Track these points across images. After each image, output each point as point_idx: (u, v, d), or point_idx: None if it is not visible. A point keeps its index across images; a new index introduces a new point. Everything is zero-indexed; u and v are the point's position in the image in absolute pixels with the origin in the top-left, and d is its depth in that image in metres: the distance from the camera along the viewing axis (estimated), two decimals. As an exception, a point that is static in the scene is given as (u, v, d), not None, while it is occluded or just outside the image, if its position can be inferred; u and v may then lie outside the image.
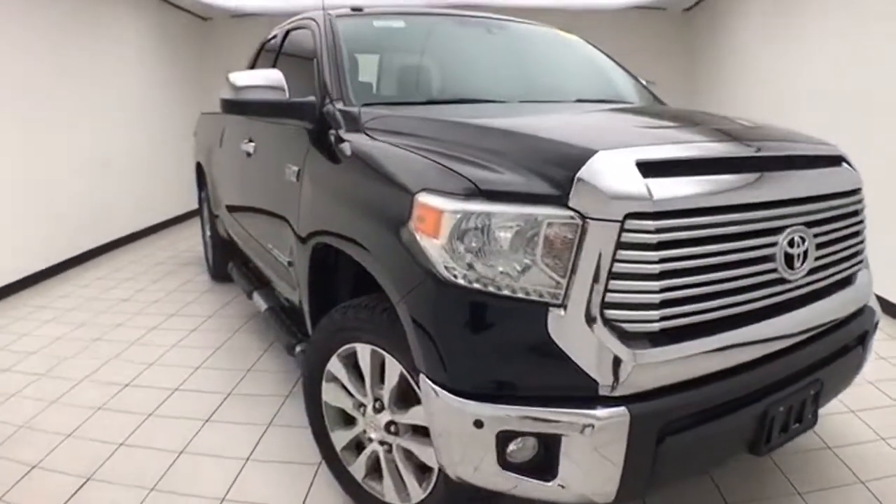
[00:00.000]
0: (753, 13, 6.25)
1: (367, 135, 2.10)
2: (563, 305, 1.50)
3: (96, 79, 6.09)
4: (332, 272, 2.37)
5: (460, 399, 1.55)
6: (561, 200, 1.50)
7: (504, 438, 1.53)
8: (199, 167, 5.20)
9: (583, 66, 3.15)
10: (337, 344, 2.10)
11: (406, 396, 1.93)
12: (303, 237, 2.36)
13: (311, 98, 2.48)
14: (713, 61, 7.41)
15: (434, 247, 1.60)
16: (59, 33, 5.52)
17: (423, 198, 1.64)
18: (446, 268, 1.58)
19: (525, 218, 1.52)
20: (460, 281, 1.57)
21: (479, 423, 1.52)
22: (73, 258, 5.68)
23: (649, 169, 1.54)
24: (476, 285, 1.57)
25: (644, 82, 3.23)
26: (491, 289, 1.56)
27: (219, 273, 4.96)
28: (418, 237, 1.64)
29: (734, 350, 1.63)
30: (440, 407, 1.59)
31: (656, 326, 1.52)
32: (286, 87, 2.47)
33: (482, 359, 1.58)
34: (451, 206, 1.58)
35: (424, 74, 2.76)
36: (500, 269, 1.55)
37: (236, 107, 2.50)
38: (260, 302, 3.35)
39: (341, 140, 2.18)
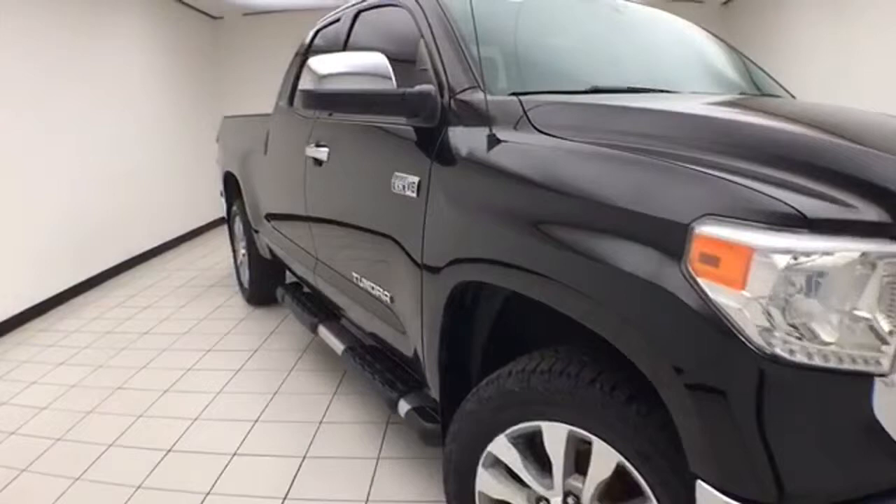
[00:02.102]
0: (796, 5, 5.79)
1: (546, 133, 1.53)
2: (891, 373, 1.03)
3: (100, 84, 5.50)
4: (468, 314, 1.80)
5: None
6: (891, 231, 1.03)
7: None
8: (228, 177, 4.60)
9: (714, 52, 2.63)
10: (508, 420, 1.53)
11: (618, 493, 1.40)
12: (433, 268, 1.78)
13: (429, 87, 1.90)
14: (753, 56, 6.90)
15: (738, 302, 1.04)
16: (60, 34, 4.93)
17: (712, 229, 1.08)
18: (762, 334, 1.03)
19: (865, 257, 1.02)
20: (780, 352, 1.02)
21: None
22: (79, 284, 5.07)
23: None
24: (799, 357, 1.03)
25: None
26: (817, 360, 1.03)
27: (257, 296, 4.37)
28: (704, 286, 1.07)
29: None
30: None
31: None
32: (393, 74, 1.90)
33: (809, 458, 1.07)
34: (771, 242, 1.03)
35: (573, 57, 2.19)
36: (829, 329, 1.03)
37: (325, 100, 1.94)
38: (333, 341, 2.77)
39: (497, 141, 1.60)
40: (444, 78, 1.91)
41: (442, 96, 1.88)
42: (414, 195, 1.85)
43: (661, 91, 2.00)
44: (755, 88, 2.48)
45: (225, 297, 4.76)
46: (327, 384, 3.17)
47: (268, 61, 7.44)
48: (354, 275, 2.42)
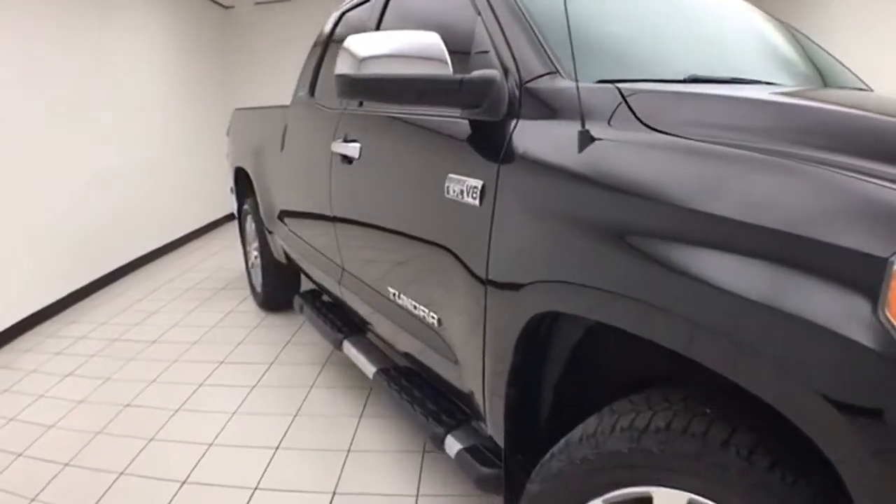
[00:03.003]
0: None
1: (659, 130, 1.22)
2: None
3: (107, 76, 5.20)
4: (543, 347, 1.50)
5: None
6: None
7: None
8: (239, 173, 4.30)
9: (795, 42, 2.32)
10: (607, 484, 1.23)
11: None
12: (502, 285, 1.48)
13: (493, 72, 1.60)
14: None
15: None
16: (67, 25, 4.63)
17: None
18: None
19: None
20: None
21: None
22: (87, 285, 4.79)
23: None
24: None
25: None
26: None
27: (270, 301, 4.09)
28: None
29: None
30: None
31: None
32: (448, 58, 1.60)
33: None
34: None
35: (660, 39, 1.88)
36: None
37: (365, 87, 1.63)
38: (361, 361, 2.48)
39: (592, 139, 1.29)
40: (511, 62, 1.61)
41: (509, 84, 1.58)
42: (475, 202, 1.55)
43: (768, 83, 1.70)
44: (840, 81, 2.18)
45: (236, 301, 4.47)
46: (352, 404, 2.87)
47: (280, 51, 7.15)
48: (391, 290, 2.12)
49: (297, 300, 3.25)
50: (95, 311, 4.41)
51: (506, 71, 1.61)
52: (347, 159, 2.33)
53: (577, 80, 1.36)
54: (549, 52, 1.57)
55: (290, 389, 3.05)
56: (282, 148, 3.24)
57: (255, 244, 4.10)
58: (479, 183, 1.54)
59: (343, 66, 1.67)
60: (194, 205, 6.69)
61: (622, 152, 1.21)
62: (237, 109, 4.55)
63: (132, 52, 5.57)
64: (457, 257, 1.65)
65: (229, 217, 7.46)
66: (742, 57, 1.95)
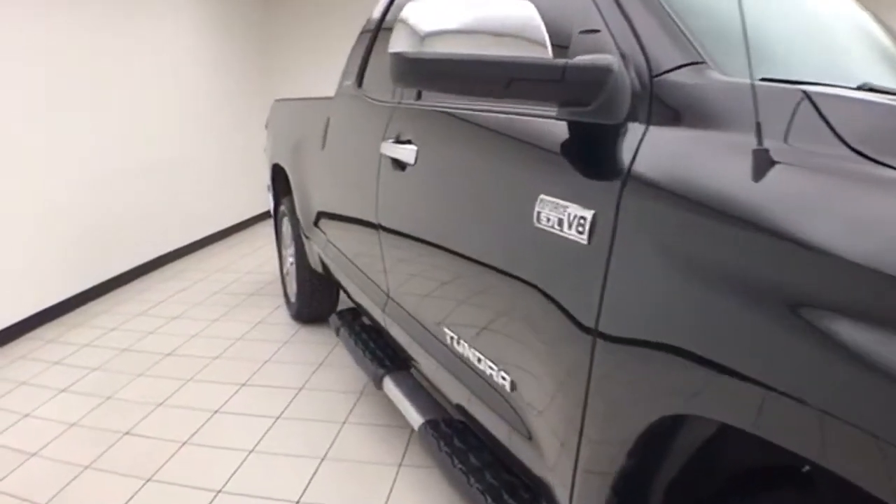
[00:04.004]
0: None
1: (881, 163, 0.75)
2: None
3: (134, 64, 4.88)
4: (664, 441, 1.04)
5: None
6: None
7: None
8: (276, 170, 3.91)
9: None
10: None
11: None
12: (619, 342, 1.02)
13: (608, 58, 1.15)
14: None
15: None
16: (92, 8, 4.30)
17: None
18: None
19: None
20: None
21: None
22: (100, 284, 4.46)
23: None
24: None
25: None
26: None
27: (304, 313, 3.68)
28: None
29: None
30: None
31: None
32: (547, 37, 1.15)
33: None
34: None
35: (824, 36, 1.40)
36: None
37: (434, 70, 1.18)
38: (405, 406, 2.05)
39: (770, 162, 0.82)
40: (634, 46, 1.15)
41: (631, 75, 1.12)
42: (582, 238, 1.09)
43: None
44: None
45: (267, 309, 4.08)
46: (390, 449, 2.44)
47: (328, 37, 6.77)
48: (448, 333, 1.67)
49: (333, 320, 2.83)
50: (107, 314, 4.06)
51: (624, 57, 1.15)
52: (399, 164, 1.90)
53: (751, 74, 0.89)
54: (689, 35, 1.11)
55: (320, 424, 2.63)
56: (322, 145, 2.83)
57: (291, 249, 3.71)
58: (587, 213, 1.09)
59: (400, 43, 1.23)
60: (228, 200, 6.36)
61: (829, 190, 0.75)
62: (277, 100, 4.16)
63: (165, 35, 5.24)
64: (549, 300, 1.19)
65: (265, 215, 7.12)
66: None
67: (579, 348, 1.10)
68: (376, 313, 2.30)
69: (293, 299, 3.77)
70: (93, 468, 2.36)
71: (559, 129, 1.23)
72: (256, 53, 6.94)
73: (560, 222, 1.14)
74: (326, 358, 3.30)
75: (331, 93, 3.05)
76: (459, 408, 1.80)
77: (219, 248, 5.93)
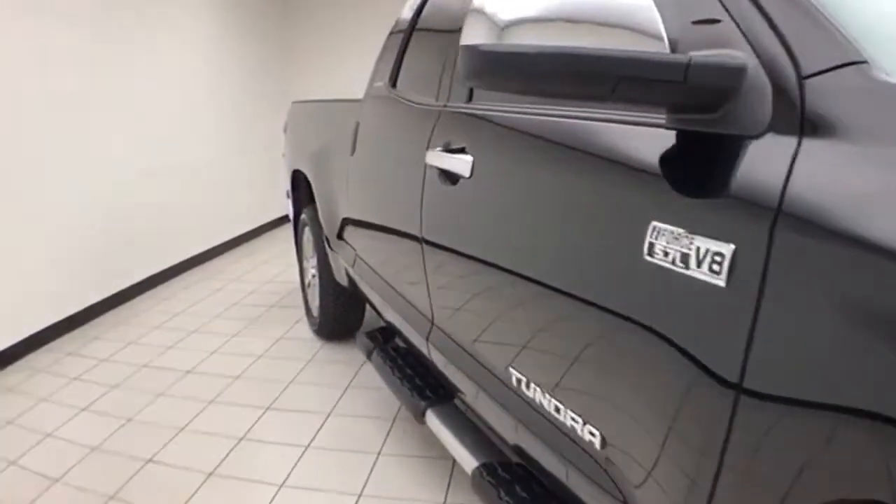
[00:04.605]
0: None
1: None
2: None
3: (147, 66, 4.69)
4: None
5: None
6: None
7: None
8: (297, 177, 3.71)
9: None
10: None
11: None
12: (774, 400, 0.81)
13: (740, 55, 0.93)
14: None
15: None
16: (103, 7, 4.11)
17: None
18: None
19: None
20: None
21: None
22: (118, 293, 4.28)
23: None
24: None
25: None
26: None
27: (328, 329, 3.47)
28: None
29: None
30: None
31: None
32: (663, 30, 0.94)
33: None
34: None
35: None
36: None
37: (522, 66, 0.95)
38: (453, 445, 1.83)
39: None
40: (772, 41, 0.93)
41: (772, 76, 0.90)
42: (717, 279, 0.87)
43: None
44: None
45: (288, 323, 3.87)
46: (432, 484, 2.24)
47: (342, 38, 6.57)
48: (515, 375, 1.46)
49: (363, 341, 2.61)
50: (126, 325, 3.89)
51: (759, 54, 0.93)
52: (450, 177, 1.68)
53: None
54: (840, 28, 0.89)
55: (353, 456, 2.43)
56: (352, 151, 2.62)
57: (313, 261, 3.50)
58: (725, 249, 0.87)
59: (474, 34, 1.01)
60: (243, 206, 6.17)
61: None
62: (295, 102, 3.96)
63: (177, 35, 5.04)
64: (666, 346, 0.98)
65: (281, 220, 6.93)
66: None
67: (713, 407, 0.88)
68: (416, 340, 2.09)
69: (315, 314, 3.57)
70: (116, 499, 2.19)
71: (672, 140, 1.01)
72: (275, 55, 6.74)
73: (684, 258, 0.92)
74: (354, 378, 3.09)
75: (350, 94, 2.83)
76: (518, 449, 1.59)
77: (236, 255, 5.74)
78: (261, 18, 6.44)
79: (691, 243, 0.91)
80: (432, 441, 2.42)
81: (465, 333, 1.70)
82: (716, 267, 0.87)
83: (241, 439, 2.56)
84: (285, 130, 4.11)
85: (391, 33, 2.64)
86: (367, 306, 3.34)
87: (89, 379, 3.14)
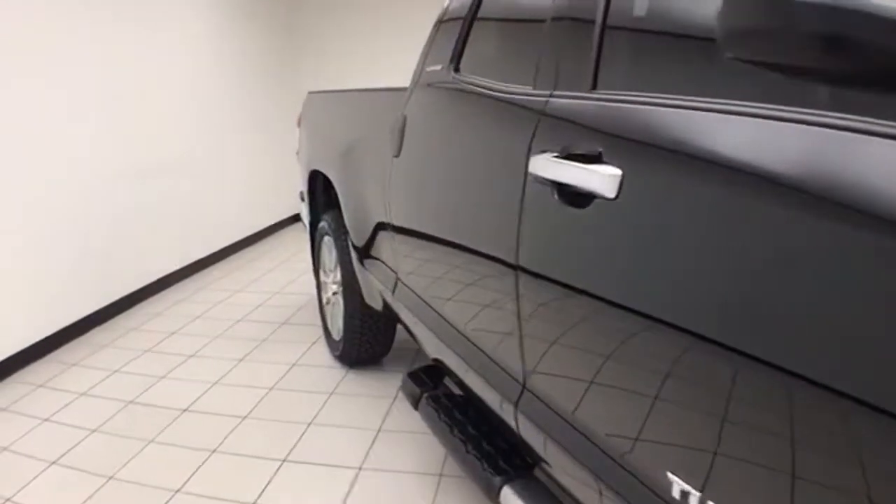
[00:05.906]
0: None
1: None
2: None
3: (146, 55, 4.19)
4: None
5: None
6: None
7: None
8: (315, 178, 3.22)
9: None
10: None
11: None
12: None
13: None
14: None
15: None
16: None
17: None
18: None
19: None
20: None
21: None
22: (109, 305, 3.78)
23: None
24: None
25: None
26: None
27: (353, 355, 2.99)
28: None
29: None
30: None
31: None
32: None
33: None
34: None
35: None
36: None
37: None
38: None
39: None
40: None
41: None
42: None
43: None
44: None
45: (302, 345, 3.38)
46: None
47: (353, 26, 6.08)
48: (675, 482, 0.96)
49: (408, 386, 2.11)
50: (111, 348, 3.38)
51: None
52: (576, 196, 1.18)
53: None
54: None
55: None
56: (397, 152, 2.12)
57: (336, 276, 3.01)
58: None
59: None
60: (250, 205, 5.66)
61: None
62: (311, 93, 3.46)
63: (177, 22, 4.54)
64: None
65: (288, 221, 6.43)
66: None
67: None
68: (498, 405, 1.59)
69: (337, 337, 3.07)
70: None
71: None
72: (280, 43, 6.23)
73: None
74: (385, 419, 2.59)
75: (369, 83, 2.34)
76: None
77: (240, 259, 5.23)
78: (265, 10, 5.93)
79: None
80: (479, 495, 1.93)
81: (583, 409, 1.20)
82: None
83: (253, 504, 2.07)
84: (300, 124, 3.62)
85: (439, 22, 2.15)
86: (395, 330, 2.87)
87: (61, 420, 2.63)
